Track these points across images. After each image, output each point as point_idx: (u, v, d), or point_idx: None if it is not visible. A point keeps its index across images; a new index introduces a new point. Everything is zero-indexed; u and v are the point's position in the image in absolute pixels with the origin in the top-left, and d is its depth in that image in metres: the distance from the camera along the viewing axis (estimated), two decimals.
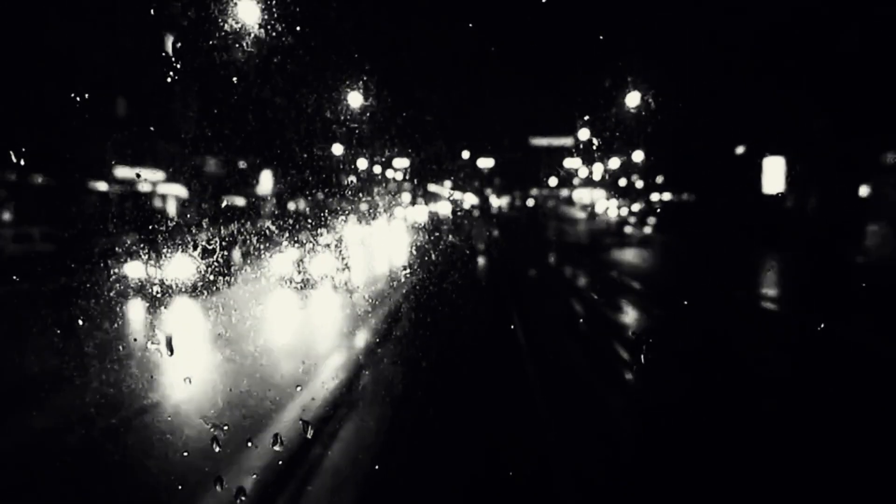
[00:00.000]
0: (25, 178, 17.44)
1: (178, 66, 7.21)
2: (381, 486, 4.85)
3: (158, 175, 23.13)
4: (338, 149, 16.79)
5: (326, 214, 10.52)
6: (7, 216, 18.23)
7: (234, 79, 8.60)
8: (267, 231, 10.52)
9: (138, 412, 6.16)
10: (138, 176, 21.57)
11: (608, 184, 31.05)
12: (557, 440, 5.82)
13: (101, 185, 20.33)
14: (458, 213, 26.97)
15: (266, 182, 26.42)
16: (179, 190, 23.59)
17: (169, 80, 7.02)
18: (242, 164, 21.66)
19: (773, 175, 19.44)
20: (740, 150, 22.20)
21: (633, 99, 11.10)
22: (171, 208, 23.54)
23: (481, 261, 19.66)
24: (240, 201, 21.77)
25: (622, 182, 32.10)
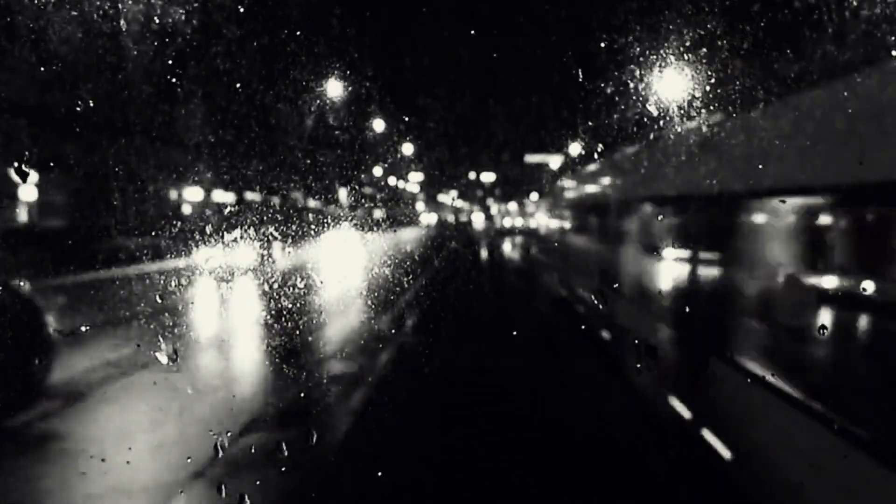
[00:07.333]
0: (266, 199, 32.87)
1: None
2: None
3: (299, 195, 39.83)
4: (378, 171, 29.67)
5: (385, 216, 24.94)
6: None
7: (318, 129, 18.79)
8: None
9: None
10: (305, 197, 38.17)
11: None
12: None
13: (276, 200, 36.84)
14: (463, 220, 41.80)
15: (343, 196, 42.74)
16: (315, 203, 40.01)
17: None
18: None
19: None
20: None
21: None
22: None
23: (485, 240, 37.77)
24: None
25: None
